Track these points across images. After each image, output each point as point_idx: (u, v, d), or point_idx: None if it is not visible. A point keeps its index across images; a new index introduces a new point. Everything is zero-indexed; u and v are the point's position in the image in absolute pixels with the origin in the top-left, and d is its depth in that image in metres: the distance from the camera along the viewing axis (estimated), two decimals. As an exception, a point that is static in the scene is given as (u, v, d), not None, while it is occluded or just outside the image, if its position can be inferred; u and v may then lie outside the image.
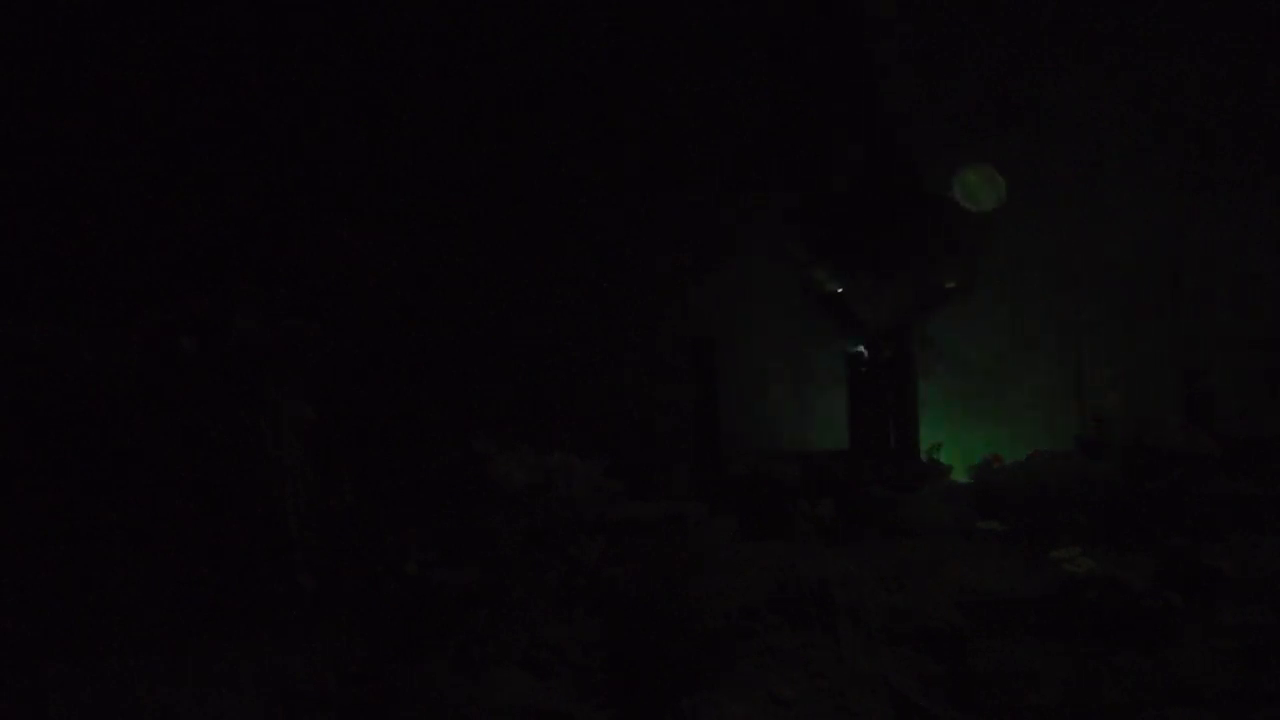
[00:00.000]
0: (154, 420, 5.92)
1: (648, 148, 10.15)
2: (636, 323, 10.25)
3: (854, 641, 4.70)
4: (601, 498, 6.60)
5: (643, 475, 7.90)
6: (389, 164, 9.90)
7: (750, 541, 6.65)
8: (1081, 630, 4.75)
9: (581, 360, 10.03)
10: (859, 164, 10.02)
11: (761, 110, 10.42)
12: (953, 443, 9.00)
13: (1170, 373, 9.26)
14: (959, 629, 4.84)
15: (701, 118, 10.21)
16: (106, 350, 5.94)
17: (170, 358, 5.87)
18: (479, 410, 8.99)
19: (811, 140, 10.33)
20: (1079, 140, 10.01)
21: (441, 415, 8.80)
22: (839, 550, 6.33)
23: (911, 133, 10.06)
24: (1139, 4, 9.76)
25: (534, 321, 10.04)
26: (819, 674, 4.39)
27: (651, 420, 9.58)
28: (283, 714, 4.14)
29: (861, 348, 9.87)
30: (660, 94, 10.21)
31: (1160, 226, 10.03)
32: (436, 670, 4.44)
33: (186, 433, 5.90)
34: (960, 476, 8.22)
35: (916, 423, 9.75)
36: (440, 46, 9.97)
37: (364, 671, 4.38)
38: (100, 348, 5.93)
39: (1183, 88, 9.79)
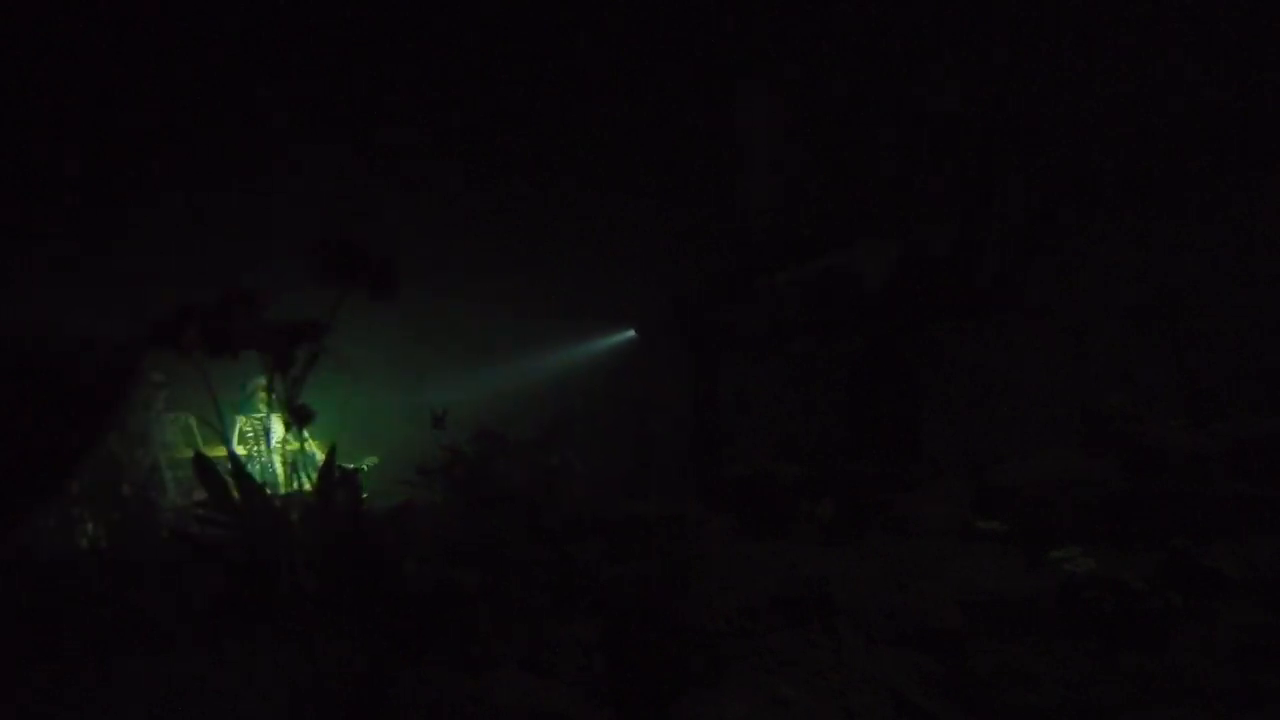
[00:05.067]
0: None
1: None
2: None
3: (854, 641, 4.69)
4: (601, 498, 6.60)
5: (642, 475, 7.90)
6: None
7: (750, 541, 6.65)
8: (1081, 630, 4.74)
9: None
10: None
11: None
12: (951, 442, 9.00)
13: (1170, 373, 9.27)
14: (959, 629, 4.83)
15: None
16: (107, 350, 5.93)
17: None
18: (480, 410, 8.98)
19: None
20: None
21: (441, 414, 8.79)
22: (839, 550, 6.32)
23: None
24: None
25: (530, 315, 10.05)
26: (819, 674, 4.38)
27: (649, 420, 9.58)
28: (283, 715, 4.13)
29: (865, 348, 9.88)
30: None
31: (1160, 228, 10.04)
32: (436, 670, 4.44)
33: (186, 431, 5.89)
34: (960, 476, 8.22)
35: (917, 422, 9.74)
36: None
37: (364, 672, 4.37)
38: (100, 347, 5.92)
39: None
